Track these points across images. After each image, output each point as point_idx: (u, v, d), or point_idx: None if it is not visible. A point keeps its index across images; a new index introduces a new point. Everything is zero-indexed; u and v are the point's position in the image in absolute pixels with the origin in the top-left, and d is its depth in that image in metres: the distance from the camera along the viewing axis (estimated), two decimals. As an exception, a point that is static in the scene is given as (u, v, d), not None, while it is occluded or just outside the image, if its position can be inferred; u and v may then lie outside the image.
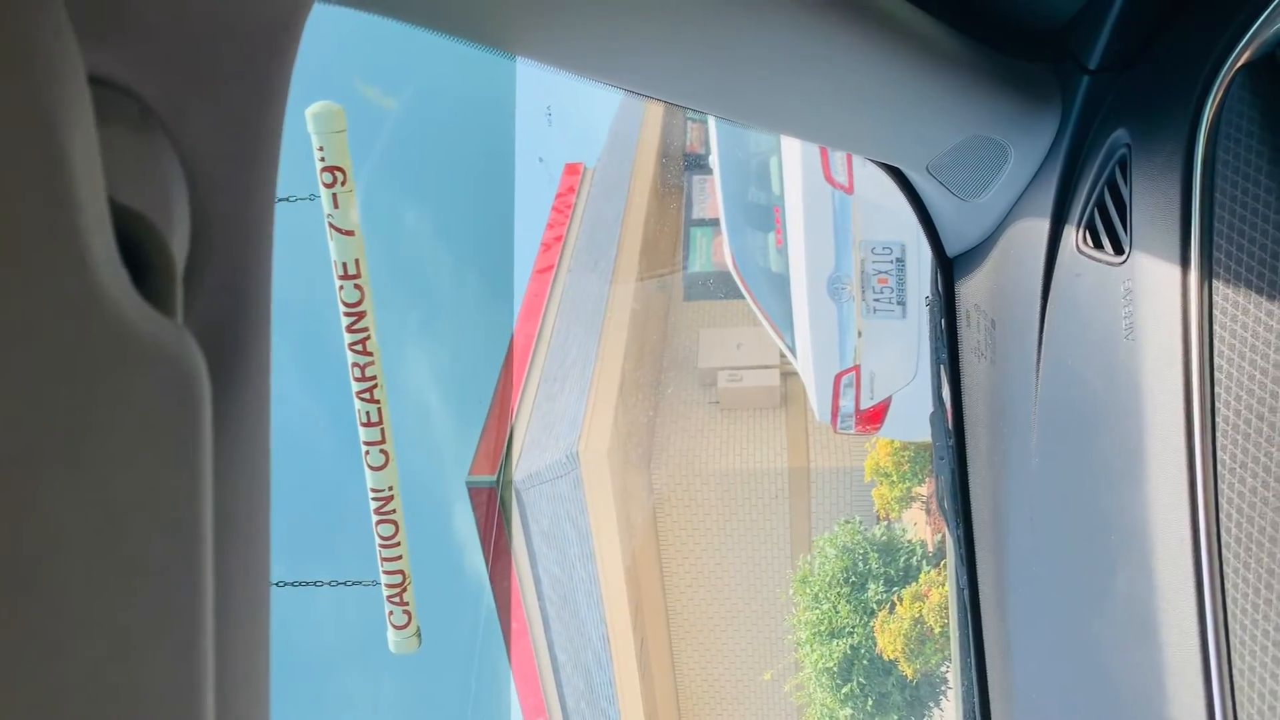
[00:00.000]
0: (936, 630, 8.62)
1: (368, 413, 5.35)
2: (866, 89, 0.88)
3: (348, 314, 5.32)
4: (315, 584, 6.05)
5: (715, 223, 10.38)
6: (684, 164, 14.37)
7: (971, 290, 1.33)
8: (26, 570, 0.25)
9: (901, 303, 5.43)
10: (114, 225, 0.31)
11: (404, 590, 5.70)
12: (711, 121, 7.53)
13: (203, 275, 0.40)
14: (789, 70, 0.77)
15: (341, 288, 5.27)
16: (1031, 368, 1.20)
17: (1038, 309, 1.17)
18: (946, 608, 8.39)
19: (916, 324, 5.39)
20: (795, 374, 10.73)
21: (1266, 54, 0.91)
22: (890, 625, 8.93)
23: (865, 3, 0.77)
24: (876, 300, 5.45)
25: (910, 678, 9.20)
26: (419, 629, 5.78)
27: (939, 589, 8.78)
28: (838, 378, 5.76)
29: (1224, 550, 0.88)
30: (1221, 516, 0.88)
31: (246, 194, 0.42)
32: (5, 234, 0.26)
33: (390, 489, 5.50)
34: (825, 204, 5.38)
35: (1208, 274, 0.91)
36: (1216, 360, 0.90)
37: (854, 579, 9.61)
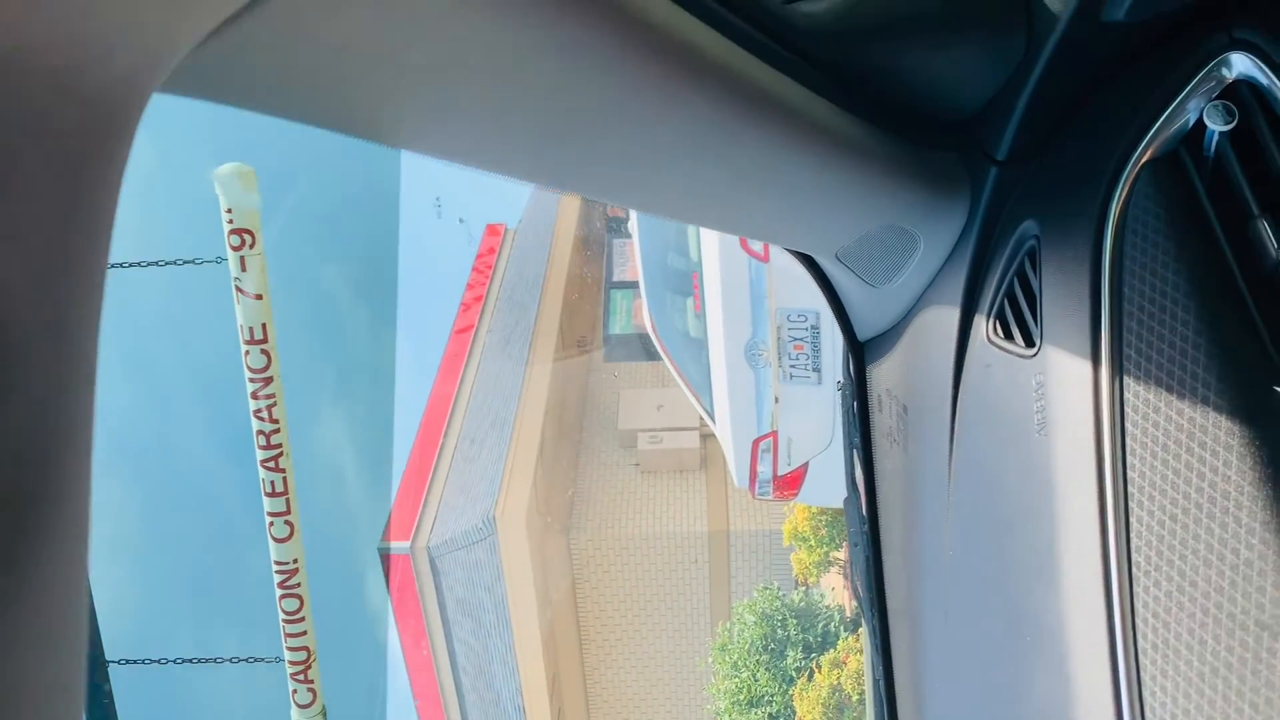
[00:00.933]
0: (854, 698, 8.59)
1: (272, 482, 5.14)
2: (774, 180, 0.86)
3: (253, 379, 5.14)
4: (216, 661, 5.74)
5: (635, 285, 10.44)
6: (605, 227, 14.49)
7: (883, 375, 1.32)
8: None
9: (817, 369, 5.48)
10: None
11: (309, 667, 5.44)
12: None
13: (3, 413, 0.34)
14: (694, 163, 0.74)
15: (248, 353, 5.09)
16: (944, 456, 1.17)
17: (949, 397, 1.15)
18: (864, 675, 8.38)
19: (831, 390, 5.44)
20: (715, 436, 10.77)
21: (1169, 151, 0.91)
22: (809, 693, 8.87)
23: (771, 97, 0.75)
24: (793, 366, 5.49)
25: (830, 746, 9.13)
26: (324, 708, 5.51)
27: (857, 655, 8.77)
28: (755, 443, 5.76)
29: (1140, 657, 0.85)
30: (1138, 621, 0.86)
31: (63, 340, 0.36)
32: None
33: (295, 561, 5.27)
34: (742, 272, 5.44)
35: (1118, 370, 0.90)
36: (1129, 459, 0.89)
37: (773, 646, 9.55)
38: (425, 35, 0.46)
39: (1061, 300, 0.97)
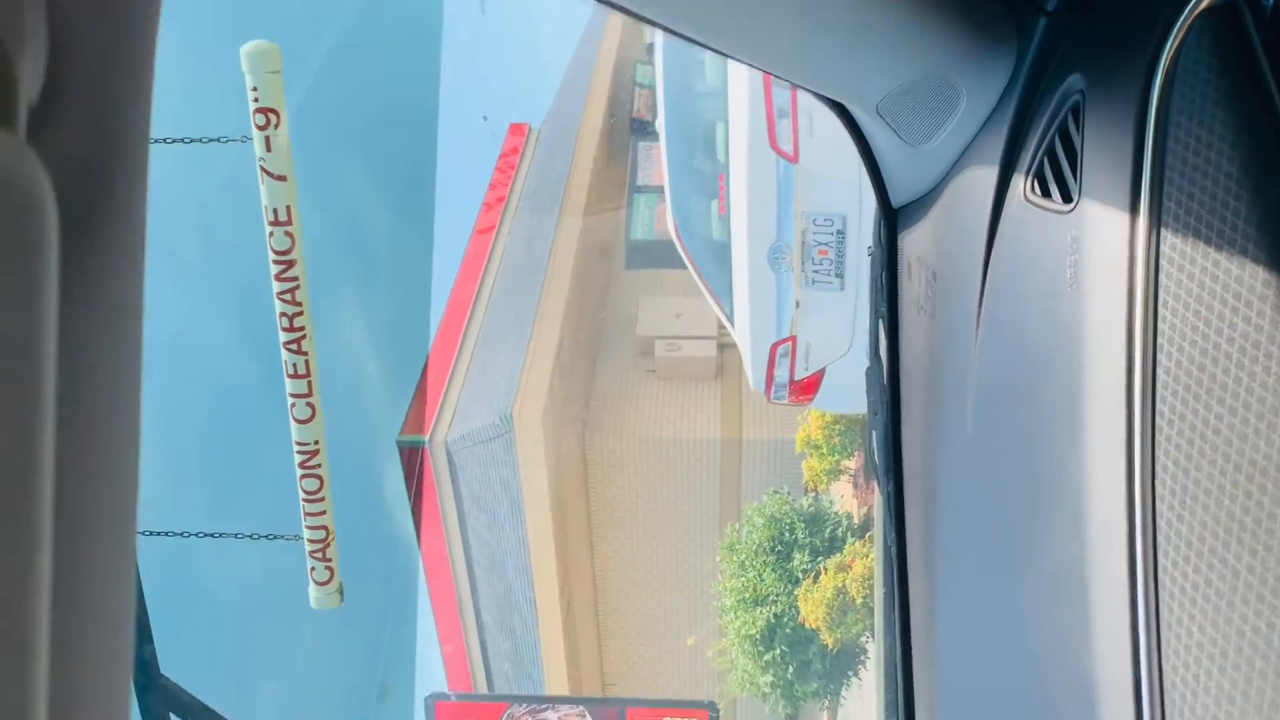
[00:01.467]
0: (858, 601, 8.78)
1: (295, 364, 5.21)
2: (820, 14, 0.84)
3: (277, 262, 5.15)
4: (236, 536, 5.91)
5: (660, 190, 10.32)
6: (630, 129, 14.25)
7: (915, 242, 1.31)
8: None
9: (840, 275, 5.45)
10: None
11: (327, 546, 5.60)
12: (660, 88, 7.44)
13: (62, 99, 0.34)
14: None
15: (271, 234, 5.10)
16: (971, 321, 1.17)
17: (981, 260, 1.15)
18: (869, 579, 8.55)
19: (854, 297, 5.42)
20: (732, 346, 10.78)
21: (1226, 0, 0.88)
22: (813, 595, 9.08)
23: None
24: (816, 271, 5.46)
25: (831, 647, 9.37)
26: (341, 585, 5.68)
27: (863, 560, 8.94)
28: (774, 348, 5.77)
29: (1158, 504, 0.87)
30: (1158, 470, 0.87)
31: (120, 13, 0.36)
32: None
33: (316, 443, 5.38)
34: (770, 173, 5.36)
35: (1156, 224, 0.89)
36: (1161, 311, 0.89)
37: (780, 548, 9.74)
38: None
39: (1103, 155, 0.95)
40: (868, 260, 1.46)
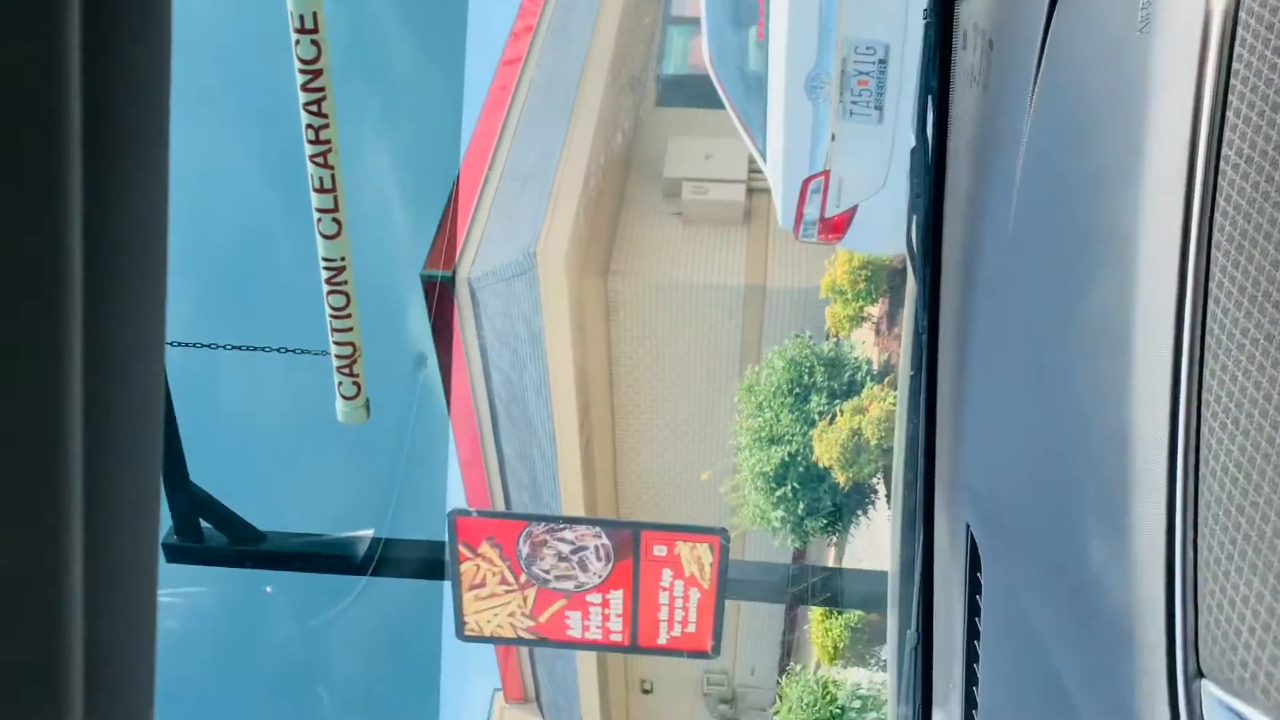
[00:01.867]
0: (873, 443, 8.94)
1: (321, 178, 5.17)
2: None
3: (303, 72, 5.03)
4: (264, 350, 6.03)
5: (695, 21, 9.90)
6: (667, -45, 13.59)
7: (972, 8, 1.24)
8: None
9: (879, 107, 5.27)
10: None
11: (354, 362, 5.71)
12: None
13: None
14: None
15: (298, 42, 4.96)
16: (1028, 88, 1.13)
17: (1043, 21, 1.09)
18: (885, 421, 8.67)
19: (891, 131, 5.25)
20: (761, 191, 10.57)
21: None
22: (828, 435, 9.24)
23: None
24: (854, 102, 5.28)
25: (843, 485, 9.62)
26: (368, 400, 5.83)
27: (880, 403, 9.04)
28: (806, 182, 5.65)
29: (1214, 249, 0.85)
30: (1217, 214, 0.84)
31: None
32: None
33: (342, 259, 5.40)
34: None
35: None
36: (1238, 49, 0.84)
37: (798, 390, 9.86)
38: None
39: None
40: (908, 94, 1.39)
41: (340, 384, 5.76)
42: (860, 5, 5.02)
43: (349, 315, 5.53)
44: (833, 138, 5.41)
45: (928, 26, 1.34)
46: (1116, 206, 0.94)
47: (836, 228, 5.91)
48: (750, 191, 12.15)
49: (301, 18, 4.91)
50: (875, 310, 9.98)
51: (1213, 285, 0.85)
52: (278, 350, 5.96)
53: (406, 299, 11.22)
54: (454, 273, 11.30)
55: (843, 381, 9.71)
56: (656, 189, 12.84)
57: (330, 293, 5.46)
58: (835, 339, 10.47)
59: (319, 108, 5.11)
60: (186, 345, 5.85)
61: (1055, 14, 1.07)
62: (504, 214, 11.79)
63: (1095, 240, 0.98)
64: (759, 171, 7.22)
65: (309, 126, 5.11)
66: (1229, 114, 0.84)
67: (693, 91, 12.02)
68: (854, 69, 5.20)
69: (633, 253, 12.46)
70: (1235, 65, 0.84)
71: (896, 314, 9.70)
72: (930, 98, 1.35)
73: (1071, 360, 1.04)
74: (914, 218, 1.45)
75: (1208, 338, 0.85)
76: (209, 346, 5.91)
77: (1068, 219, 1.04)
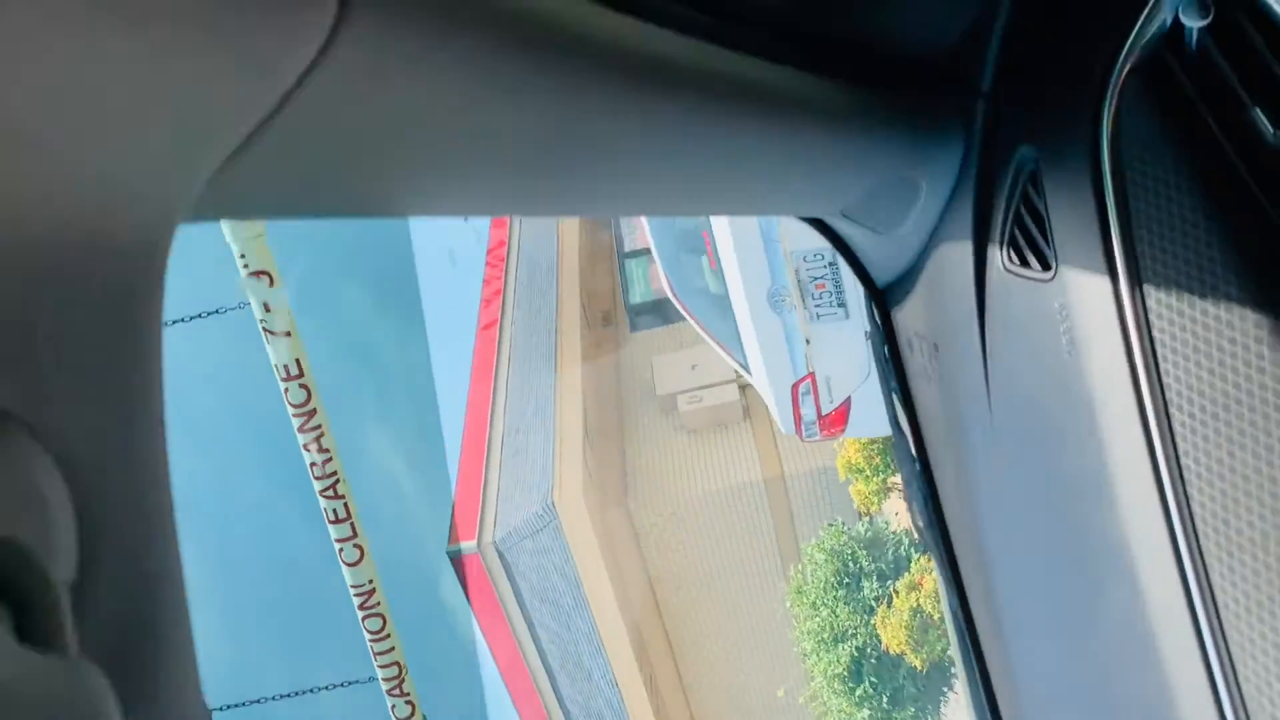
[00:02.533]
0: (936, 617, 8.64)
1: (334, 510, 5.24)
2: (767, 162, 0.87)
3: (297, 415, 5.21)
4: (315, 690, 5.89)
5: (647, 252, 10.41)
6: (607, 199, 14.41)
7: (908, 316, 1.33)
8: None
9: (843, 304, 5.47)
10: None
11: (402, 681, 5.57)
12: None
13: (98, 584, 0.36)
14: (689, 165, 0.76)
15: (287, 390, 5.16)
16: (981, 389, 1.19)
17: (976, 331, 1.17)
18: (940, 597, 8.43)
19: (861, 323, 5.43)
20: (753, 385, 10.73)
21: (1152, 54, 0.91)
22: (891, 619, 8.95)
23: (750, 86, 0.76)
24: (818, 306, 5.49)
25: (920, 668, 9.21)
26: (425, 716, 5.65)
27: (931, 575, 8.82)
28: (794, 387, 5.78)
29: (1206, 558, 0.87)
30: (1198, 524, 0.88)
31: (136, 479, 0.39)
32: None
33: (370, 582, 5.38)
34: (750, 221, 5.42)
35: (1136, 280, 0.91)
36: (1162, 365, 0.90)
37: (847, 580, 9.62)
38: (440, 116, 0.48)
39: (1070, 219, 0.97)
40: (865, 304, 1.49)
41: (394, 707, 5.60)
42: (797, 221, 5.30)
43: (388, 635, 5.45)
44: (807, 341, 5.57)
45: (871, 338, 1.43)
46: (1100, 521, 0.98)
47: (837, 421, 5.98)
48: (743, 388, 12.34)
49: (286, 367, 5.13)
50: (898, 480, 9.92)
51: (1218, 594, 0.87)
52: (325, 688, 5.82)
53: (440, 584, 11.10)
54: (478, 541, 11.25)
55: (888, 560, 9.51)
56: (653, 408, 13.03)
57: (365, 617, 5.41)
58: (868, 517, 10.35)
59: (319, 444, 5.25)
60: (235, 707, 5.72)
61: (986, 328, 1.15)
62: (513, 472, 11.87)
63: (1091, 549, 1.01)
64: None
65: (313, 465, 5.23)
66: (1175, 426, 0.89)
67: (662, 312, 12.43)
68: (808, 276, 5.43)
69: (647, 476, 12.47)
70: (1165, 380, 0.90)
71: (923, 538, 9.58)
72: (894, 395, 1.41)
73: (1105, 664, 1.04)
74: (913, 505, 1.48)
75: (1232, 647, 0.86)
76: (258, 702, 5.78)
77: (1058, 525, 1.08)
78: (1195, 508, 0.88)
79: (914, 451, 1.40)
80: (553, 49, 0.52)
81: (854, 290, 5.42)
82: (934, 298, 1.25)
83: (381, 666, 5.57)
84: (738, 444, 12.38)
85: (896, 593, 9.06)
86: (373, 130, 0.46)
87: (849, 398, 5.87)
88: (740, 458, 12.25)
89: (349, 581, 5.41)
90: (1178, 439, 0.89)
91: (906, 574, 9.20)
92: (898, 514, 10.47)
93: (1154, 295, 0.90)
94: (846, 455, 9.89)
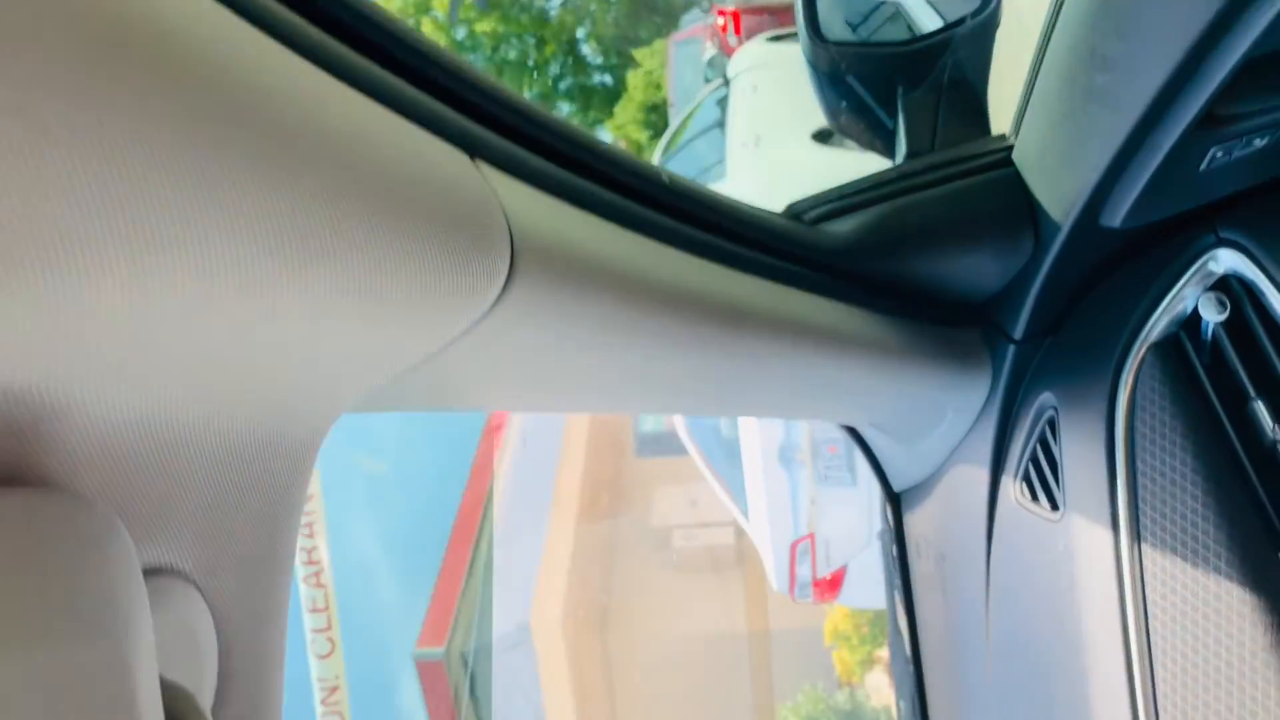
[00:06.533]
0: (906, 804, 8.33)
1: (314, 599, 5.22)
2: (810, 382, 0.95)
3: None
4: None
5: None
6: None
7: (920, 522, 1.39)
8: None
9: (852, 470, 5.51)
10: (163, 704, 0.34)
11: (351, 787, 5.42)
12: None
13: (227, 708, 0.43)
14: (748, 383, 0.84)
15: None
16: (981, 608, 1.24)
17: (983, 550, 1.22)
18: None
19: (867, 491, 5.46)
20: (749, 532, 10.65)
21: (1171, 335, 1.00)
22: (859, 800, 8.62)
23: (803, 321, 0.85)
24: (828, 468, 5.53)
25: None
26: (365, 829, 5.46)
27: (906, 759, 8.54)
28: (793, 545, 5.76)
29: None
30: None
31: (267, 617, 0.46)
32: None
33: (336, 678, 5.31)
34: (772, 375, 5.53)
35: (1136, 539, 0.98)
36: (1151, 624, 0.95)
37: (819, 751, 9.33)
38: (556, 355, 0.58)
39: (1081, 469, 1.04)
40: (880, 505, 1.55)
41: (337, 812, 5.43)
42: (817, 380, 5.40)
43: (344, 736, 5.33)
44: (812, 502, 5.59)
45: (883, 538, 1.49)
46: None
47: (832, 587, 5.93)
48: (739, 532, 12.23)
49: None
50: (884, 654, 9.72)
51: None
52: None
53: (401, 686, 10.82)
54: (446, 649, 11.01)
55: (864, 737, 9.23)
56: (646, 539, 12.90)
57: (325, 715, 5.31)
58: (849, 686, 10.09)
59: (310, 530, 5.27)
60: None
61: (992, 552, 1.21)
62: (495, 583, 11.70)
63: None
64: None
65: (301, 549, 5.23)
66: (1158, 684, 0.94)
67: (669, 443, 12.45)
68: (822, 436, 5.49)
69: (630, 607, 12.26)
70: (1154, 639, 0.95)
71: None
72: (897, 594, 1.46)
73: None
74: (901, 703, 1.50)
75: None
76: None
77: None
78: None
79: (909, 653, 1.43)
80: (654, 299, 0.61)
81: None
82: (946, 512, 1.31)
83: (332, 768, 5.42)
84: (727, 590, 12.20)
85: (868, 773, 8.76)
86: (498, 367, 0.55)
87: (845, 565, 5.84)
88: (727, 605, 12.05)
89: (316, 675, 5.33)
90: (1159, 694, 0.93)
91: (880, 755, 8.92)
92: (879, 689, 10.22)
93: (1150, 555, 0.96)
94: (834, 620, 9.73)
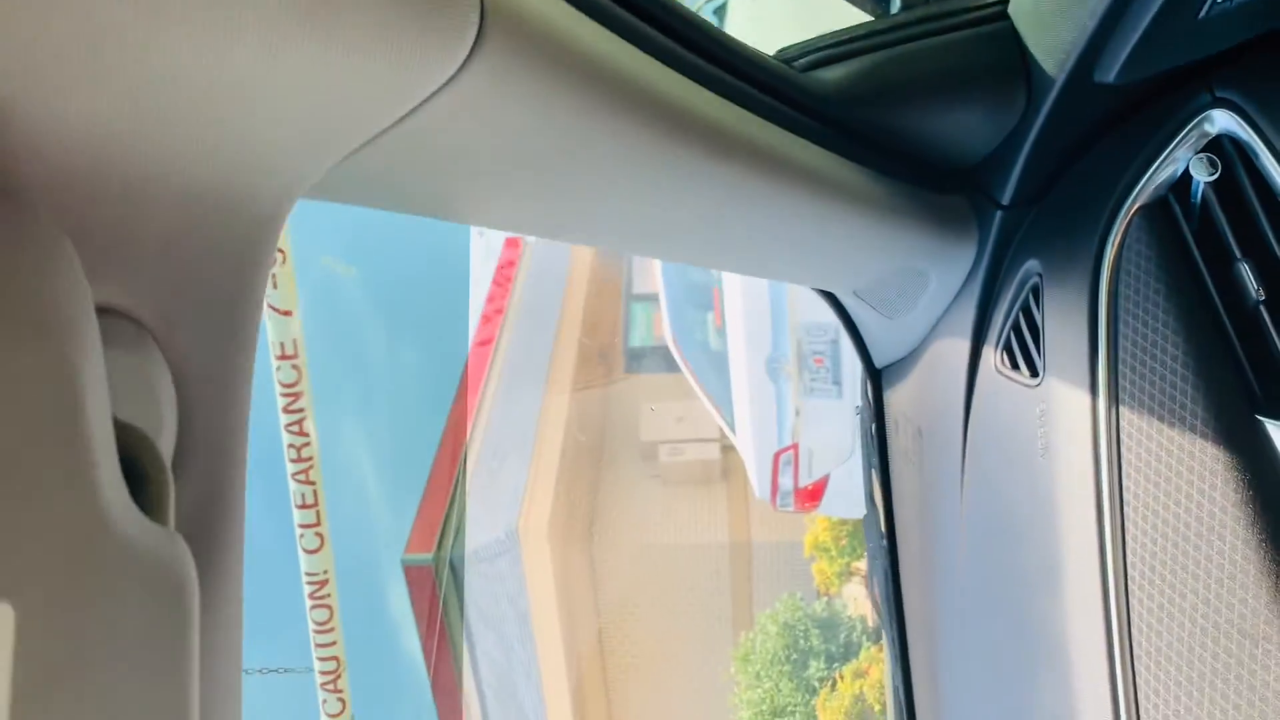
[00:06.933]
0: (878, 709, 8.61)
1: (303, 494, 5.25)
2: (795, 232, 0.94)
3: (284, 394, 5.25)
4: (246, 671, 5.84)
5: (655, 298, 10.51)
6: (624, 240, 14.55)
7: (899, 399, 1.40)
8: None
9: (837, 382, 5.55)
10: (116, 442, 0.34)
11: (338, 677, 5.54)
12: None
13: (188, 469, 0.43)
14: (725, 223, 0.83)
15: (279, 368, 5.20)
16: (956, 476, 1.25)
17: (960, 422, 1.23)
18: (886, 685, 8.41)
19: (852, 403, 5.50)
20: (736, 448, 10.79)
21: (1159, 198, 0.99)
22: (832, 703, 8.91)
23: (790, 160, 0.84)
24: (813, 380, 5.56)
25: (853, 756, 9.16)
26: (353, 717, 5.61)
27: (879, 665, 8.80)
28: (776, 456, 5.83)
29: (1136, 664, 0.93)
30: (1134, 631, 0.94)
31: (227, 383, 0.45)
32: (24, 466, 0.29)
33: (325, 573, 5.38)
34: (762, 286, 5.52)
35: (1115, 400, 0.98)
36: (1125, 482, 0.97)
37: (795, 656, 9.59)
38: (527, 146, 0.56)
39: (1063, 335, 1.05)
40: (861, 381, 1.55)
41: (325, 701, 5.57)
42: (808, 292, 5.40)
43: (332, 629, 5.44)
44: (797, 413, 5.64)
45: (862, 414, 1.50)
46: (1046, 614, 1.04)
47: (812, 496, 6.03)
48: (725, 449, 12.37)
49: (282, 345, 5.17)
50: (862, 565, 9.93)
51: (1141, 700, 0.92)
52: (259, 671, 5.78)
53: (390, 590, 11.03)
54: (435, 554, 11.19)
55: (839, 643, 9.49)
56: (634, 453, 13.05)
57: (314, 607, 5.40)
58: (826, 597, 10.34)
59: (300, 427, 5.28)
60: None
61: (970, 420, 1.22)
62: (484, 492, 11.85)
63: (1033, 638, 1.07)
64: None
65: (290, 445, 5.26)
66: (1128, 540, 0.96)
67: (659, 360, 12.51)
68: (809, 349, 5.52)
69: (616, 518, 12.46)
70: (1126, 497, 0.96)
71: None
72: (874, 471, 1.47)
73: None
74: (874, 578, 1.53)
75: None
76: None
77: (1007, 612, 1.13)
78: (1134, 616, 0.94)
79: (883, 526, 1.46)
80: (630, 104, 0.59)
81: (850, 371, 5.50)
82: (926, 385, 1.32)
83: (320, 659, 5.55)
84: (710, 503, 12.40)
85: (842, 677, 9.03)
86: (471, 149, 0.53)
87: (827, 476, 5.93)
88: (711, 517, 12.25)
89: (304, 569, 5.40)
90: (1128, 550, 0.95)
91: (855, 660, 9.18)
92: (856, 599, 10.47)
93: (1127, 417, 0.97)
94: (815, 533, 9.92)
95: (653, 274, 10.28)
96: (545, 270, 14.34)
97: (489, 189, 0.60)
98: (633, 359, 13.81)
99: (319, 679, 5.56)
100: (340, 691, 5.60)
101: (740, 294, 5.62)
